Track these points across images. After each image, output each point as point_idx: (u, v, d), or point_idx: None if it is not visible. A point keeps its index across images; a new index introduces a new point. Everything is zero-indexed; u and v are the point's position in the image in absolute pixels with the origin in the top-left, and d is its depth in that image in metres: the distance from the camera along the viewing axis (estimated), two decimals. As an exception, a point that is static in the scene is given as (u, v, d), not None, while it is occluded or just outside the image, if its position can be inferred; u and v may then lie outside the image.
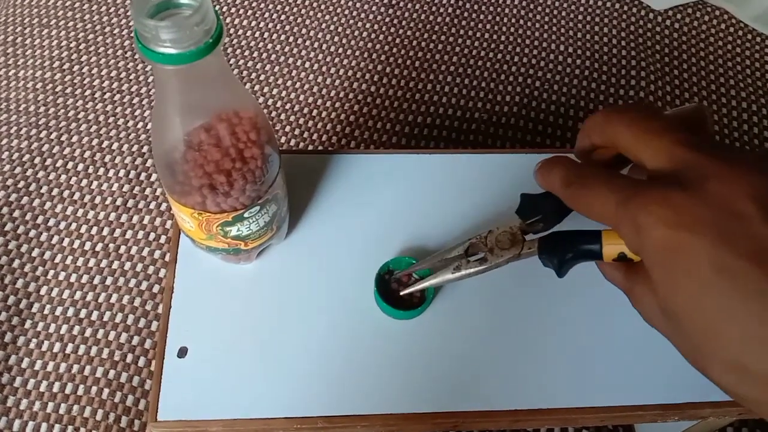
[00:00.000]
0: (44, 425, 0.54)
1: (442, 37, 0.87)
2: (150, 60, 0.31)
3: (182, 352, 0.41)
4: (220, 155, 0.36)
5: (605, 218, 0.28)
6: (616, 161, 0.31)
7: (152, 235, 0.64)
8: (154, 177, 0.69)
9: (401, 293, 0.42)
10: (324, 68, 0.82)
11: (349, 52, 0.84)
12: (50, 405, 0.54)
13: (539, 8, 0.92)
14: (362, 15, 0.88)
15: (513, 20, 0.90)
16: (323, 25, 0.87)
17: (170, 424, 0.39)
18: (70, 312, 0.59)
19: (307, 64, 0.83)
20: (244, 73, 0.81)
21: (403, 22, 0.88)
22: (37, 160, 0.70)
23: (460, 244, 0.39)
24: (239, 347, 0.42)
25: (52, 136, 0.72)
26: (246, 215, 0.39)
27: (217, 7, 0.88)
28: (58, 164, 0.70)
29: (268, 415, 0.39)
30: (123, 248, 0.63)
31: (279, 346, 0.43)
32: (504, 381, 0.42)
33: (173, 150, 0.36)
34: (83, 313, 0.59)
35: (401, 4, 0.90)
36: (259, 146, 0.37)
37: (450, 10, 0.90)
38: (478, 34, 0.88)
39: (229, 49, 0.83)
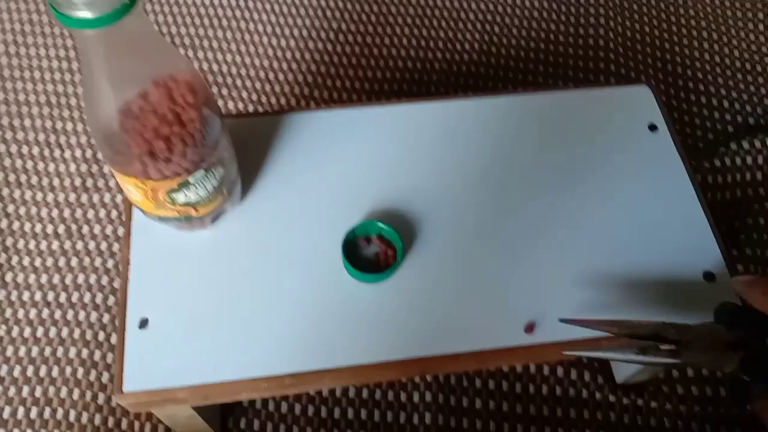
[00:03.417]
0: (21, 408, 0.54)
1: (397, -11, 0.86)
2: (67, 26, 0.30)
3: (143, 323, 0.41)
4: (157, 120, 0.35)
5: None
6: None
7: (114, 213, 0.64)
8: (111, 154, 0.68)
9: (583, 357, 0.38)
10: (278, 30, 0.81)
11: (302, 11, 0.83)
12: (25, 389, 0.54)
13: (493, -48, 0.90)
14: (313, -28, 0.86)
15: (467, -34, 0.88)
16: (274, -14, 0.85)
17: (136, 395, 0.39)
18: (38, 296, 0.59)
19: (260, 27, 0.81)
20: (196, 41, 0.79)
21: (356, -23, 0.87)
22: (-9, 146, 0.69)
23: (653, 323, 0.36)
24: (201, 313, 0.42)
25: (4, 122, 0.70)
26: (191, 180, 0.38)
27: (164, -24, 0.86)
28: (12, 150, 0.68)
29: (234, 377, 0.40)
30: (85, 228, 0.63)
31: (241, 309, 0.42)
32: (468, 326, 0.42)
33: (108, 120, 0.35)
34: (51, 296, 0.59)
35: (352, -42, 0.88)
36: (196, 108, 0.36)
37: (402, -40, 0.88)
38: (433, -17, 0.86)
39: (179, 19, 0.81)
